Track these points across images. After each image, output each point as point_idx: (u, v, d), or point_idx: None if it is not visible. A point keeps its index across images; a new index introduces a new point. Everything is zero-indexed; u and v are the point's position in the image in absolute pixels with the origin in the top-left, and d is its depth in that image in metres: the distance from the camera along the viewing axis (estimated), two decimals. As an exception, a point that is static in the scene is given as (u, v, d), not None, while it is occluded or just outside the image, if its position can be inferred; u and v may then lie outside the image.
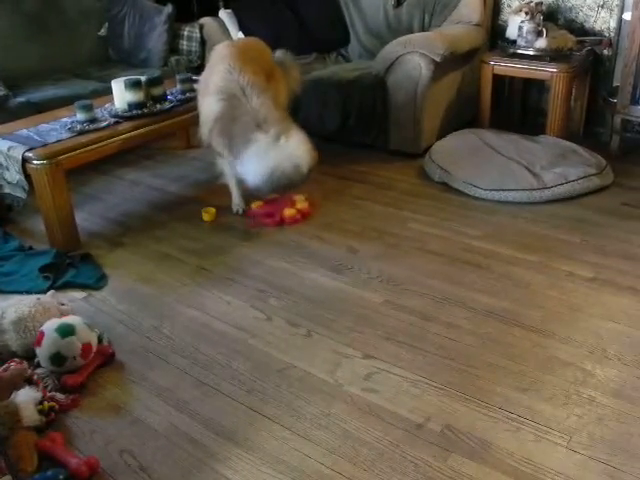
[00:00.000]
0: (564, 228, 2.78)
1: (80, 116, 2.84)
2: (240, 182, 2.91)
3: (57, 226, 2.68)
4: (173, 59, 4.06)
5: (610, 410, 1.77)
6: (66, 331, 1.97)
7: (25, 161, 2.59)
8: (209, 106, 2.76)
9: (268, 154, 2.60)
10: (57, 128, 2.84)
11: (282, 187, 2.69)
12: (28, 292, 2.33)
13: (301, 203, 3.01)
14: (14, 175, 2.66)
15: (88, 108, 2.85)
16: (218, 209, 3.04)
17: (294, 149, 2.63)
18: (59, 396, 1.87)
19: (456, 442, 1.69)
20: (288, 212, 2.94)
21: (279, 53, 3.17)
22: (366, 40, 4.12)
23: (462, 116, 3.87)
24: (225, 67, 2.74)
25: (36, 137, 2.73)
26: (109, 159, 3.15)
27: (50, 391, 1.88)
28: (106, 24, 4.23)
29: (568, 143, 3.38)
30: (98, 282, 2.52)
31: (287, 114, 2.84)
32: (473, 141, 3.42)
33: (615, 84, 3.58)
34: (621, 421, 1.73)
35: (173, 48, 4.10)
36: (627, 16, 3.36)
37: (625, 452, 1.63)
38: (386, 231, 2.83)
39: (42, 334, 1.98)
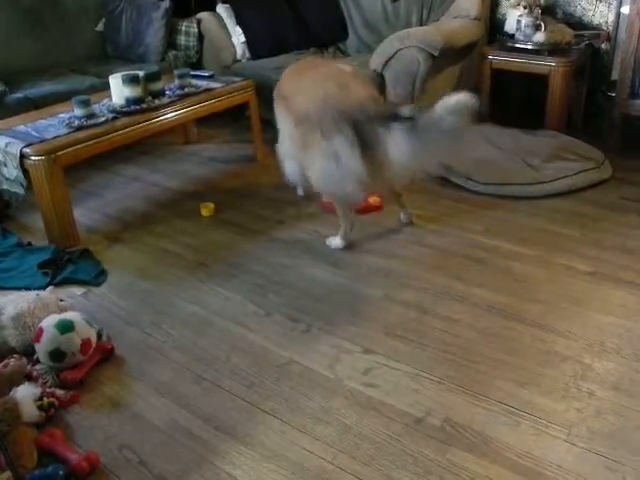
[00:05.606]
0: (563, 222, 2.78)
1: (78, 112, 2.83)
2: None
3: (55, 222, 2.67)
4: (171, 54, 4.05)
5: (609, 403, 1.77)
6: (65, 327, 1.97)
7: (23, 157, 2.58)
8: None
9: None
10: (55, 124, 2.82)
11: None
12: (27, 288, 2.32)
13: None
14: (12, 171, 2.65)
15: (86, 104, 2.84)
16: (216, 204, 3.04)
17: None
18: (59, 392, 1.87)
19: (456, 436, 1.69)
20: (373, 200, 3.01)
21: None
22: (364, 34, 4.12)
23: (461, 111, 3.86)
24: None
25: (34, 133, 2.72)
26: (107, 155, 3.13)
27: (49, 387, 1.88)
28: (103, 19, 4.21)
29: (567, 137, 3.38)
30: (97, 278, 2.52)
31: None
32: (472, 136, 3.41)
33: (613, 78, 3.58)
34: (620, 414, 1.73)
35: (171, 43, 4.08)
36: (625, 10, 3.36)
37: (624, 445, 1.63)
38: (385, 226, 2.83)
39: (41, 330, 1.98)
